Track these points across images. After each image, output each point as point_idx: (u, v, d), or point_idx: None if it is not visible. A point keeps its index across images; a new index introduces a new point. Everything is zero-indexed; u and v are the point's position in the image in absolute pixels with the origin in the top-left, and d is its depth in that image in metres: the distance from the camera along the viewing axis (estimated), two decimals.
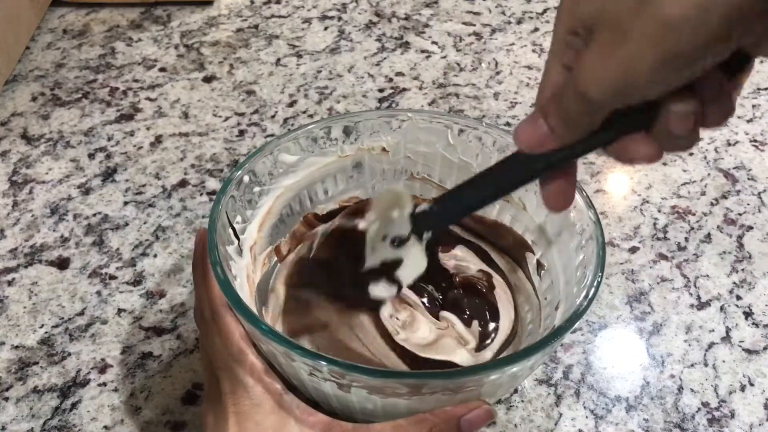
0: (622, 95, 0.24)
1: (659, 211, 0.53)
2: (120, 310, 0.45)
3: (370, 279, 0.37)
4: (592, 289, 0.34)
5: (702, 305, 0.46)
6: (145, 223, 0.51)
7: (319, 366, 0.31)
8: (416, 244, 0.35)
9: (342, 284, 0.39)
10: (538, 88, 0.28)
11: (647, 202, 0.53)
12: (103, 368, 0.42)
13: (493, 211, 0.44)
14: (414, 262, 0.36)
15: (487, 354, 0.39)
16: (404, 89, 0.63)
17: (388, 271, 0.37)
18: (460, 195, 0.32)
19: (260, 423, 0.32)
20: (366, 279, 0.37)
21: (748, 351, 0.44)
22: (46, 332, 0.44)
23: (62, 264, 0.48)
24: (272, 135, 0.58)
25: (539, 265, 0.42)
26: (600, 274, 0.34)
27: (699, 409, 0.41)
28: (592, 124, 0.26)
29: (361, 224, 0.38)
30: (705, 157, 0.57)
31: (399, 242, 0.36)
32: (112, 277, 0.47)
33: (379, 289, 0.37)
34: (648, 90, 0.24)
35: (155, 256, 0.48)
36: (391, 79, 0.64)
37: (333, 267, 0.40)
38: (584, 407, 0.41)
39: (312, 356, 0.30)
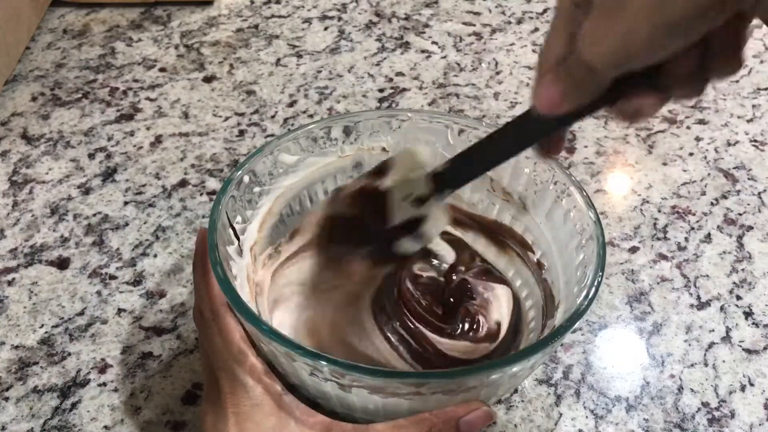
0: (624, 64, 0.25)
1: (659, 211, 0.53)
2: (120, 310, 0.45)
3: (394, 236, 0.37)
4: (593, 289, 0.34)
5: (702, 305, 0.46)
6: (145, 223, 0.51)
7: (319, 366, 0.31)
8: (438, 203, 0.36)
9: (365, 241, 0.39)
10: (541, 53, 0.29)
11: (647, 202, 0.53)
12: (103, 368, 0.42)
13: (493, 211, 0.44)
14: (437, 219, 0.36)
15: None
16: (404, 89, 0.63)
17: (411, 228, 0.37)
18: (478, 153, 0.33)
19: (260, 423, 0.32)
20: (390, 235, 0.37)
21: (748, 351, 0.44)
22: (46, 332, 0.44)
23: (62, 264, 0.48)
24: (272, 135, 0.58)
25: (539, 265, 0.42)
26: (600, 273, 0.34)
27: (699, 409, 0.41)
28: (600, 89, 0.27)
29: (384, 184, 0.38)
30: (705, 157, 0.57)
31: (420, 201, 0.36)
32: (112, 277, 0.47)
33: (405, 245, 0.37)
34: (647, 58, 0.24)
35: (155, 256, 0.48)
36: (391, 79, 0.64)
37: (356, 225, 0.40)
38: (584, 407, 0.41)
39: (312, 356, 0.30)
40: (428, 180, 0.35)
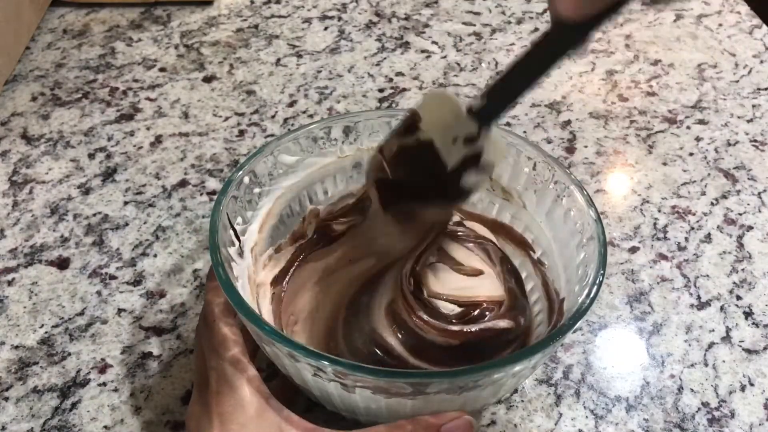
0: None
1: (659, 211, 0.53)
2: (120, 310, 0.45)
3: (455, 176, 0.37)
4: (594, 288, 0.34)
5: (702, 305, 0.46)
6: (145, 223, 0.51)
7: (322, 366, 0.31)
8: (488, 135, 0.36)
9: (424, 195, 0.39)
10: None
11: (647, 202, 0.53)
12: (103, 368, 0.42)
13: (493, 210, 0.44)
14: (493, 148, 0.36)
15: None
16: (404, 89, 0.63)
17: (470, 165, 0.37)
18: (512, 78, 0.34)
19: (244, 425, 0.32)
20: (452, 178, 0.37)
21: (748, 351, 0.44)
22: (46, 332, 0.44)
23: (62, 264, 0.48)
24: (272, 135, 0.58)
25: (540, 264, 0.42)
26: (602, 272, 0.34)
27: (699, 409, 0.41)
28: None
29: (424, 136, 0.37)
30: (705, 157, 0.57)
31: (470, 140, 0.36)
32: (112, 277, 0.47)
33: (471, 179, 0.37)
34: None
35: (155, 256, 0.48)
36: (391, 79, 0.64)
37: (409, 183, 0.40)
38: (584, 407, 0.41)
39: (316, 356, 0.30)
40: (471, 118, 0.35)
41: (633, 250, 0.50)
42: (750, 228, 0.51)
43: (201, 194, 0.53)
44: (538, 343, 0.32)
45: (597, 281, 0.34)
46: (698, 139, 0.59)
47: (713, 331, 0.45)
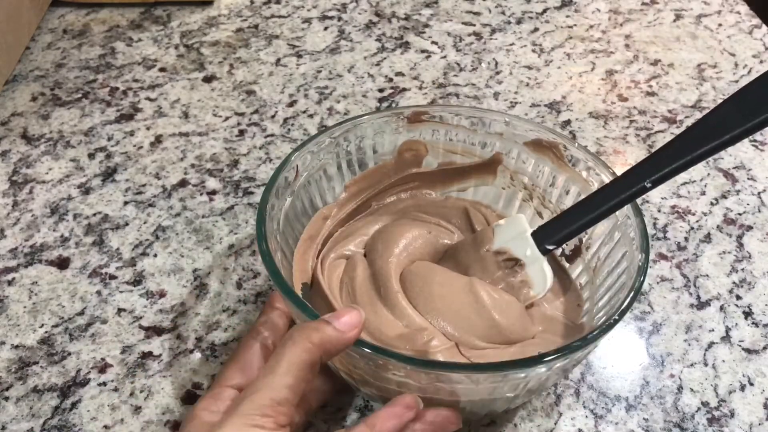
0: None
1: (659, 211, 0.53)
2: (120, 310, 0.45)
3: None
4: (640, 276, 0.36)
5: (702, 305, 0.46)
6: (145, 222, 0.51)
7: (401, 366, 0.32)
8: (537, 261, 0.39)
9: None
10: None
11: (647, 202, 0.53)
12: (103, 368, 0.42)
13: (513, 209, 0.45)
14: (541, 276, 0.39)
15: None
16: (404, 89, 0.63)
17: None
18: (579, 212, 0.37)
19: None
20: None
21: (748, 351, 0.44)
22: (46, 332, 0.44)
23: (62, 264, 0.48)
24: (272, 135, 0.58)
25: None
26: (644, 255, 0.36)
27: (699, 408, 0.41)
28: None
29: (492, 246, 0.41)
30: None
31: (514, 263, 0.40)
32: (112, 277, 0.47)
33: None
34: None
35: (155, 255, 0.48)
36: (391, 79, 0.64)
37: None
38: (584, 407, 0.41)
39: (407, 361, 0.32)
40: (530, 238, 0.39)
41: None
42: (750, 228, 0.51)
43: (201, 194, 0.53)
44: (599, 330, 0.34)
45: (644, 249, 0.36)
46: None
47: (713, 330, 0.45)
